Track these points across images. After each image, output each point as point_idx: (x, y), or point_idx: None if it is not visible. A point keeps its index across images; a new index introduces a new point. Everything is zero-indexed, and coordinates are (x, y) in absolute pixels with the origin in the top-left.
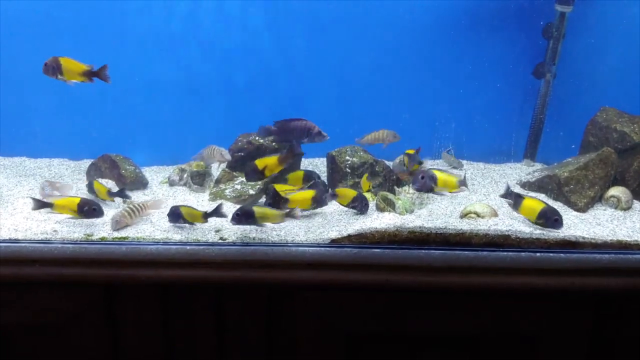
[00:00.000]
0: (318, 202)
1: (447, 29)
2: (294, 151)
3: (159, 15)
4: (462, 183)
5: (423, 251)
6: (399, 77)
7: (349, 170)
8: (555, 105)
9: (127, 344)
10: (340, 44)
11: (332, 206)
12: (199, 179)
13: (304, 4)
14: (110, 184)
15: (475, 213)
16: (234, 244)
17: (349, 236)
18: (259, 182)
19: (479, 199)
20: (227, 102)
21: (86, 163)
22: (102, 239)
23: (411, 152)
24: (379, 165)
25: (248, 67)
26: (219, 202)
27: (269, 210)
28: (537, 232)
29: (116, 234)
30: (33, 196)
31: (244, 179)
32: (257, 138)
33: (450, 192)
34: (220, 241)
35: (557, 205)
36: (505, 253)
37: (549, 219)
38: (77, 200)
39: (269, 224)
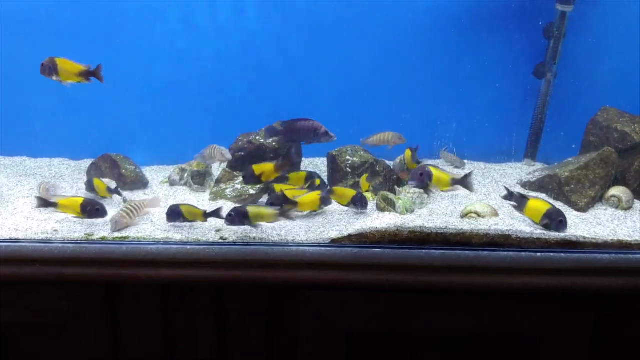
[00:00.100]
0: (324, 202)
1: (447, 28)
2: (291, 160)
3: (159, 15)
4: (456, 182)
5: (424, 251)
6: (399, 77)
7: (350, 170)
8: (556, 105)
9: (127, 343)
10: (341, 44)
11: (333, 206)
12: (200, 178)
13: (304, 4)
14: (113, 185)
15: (476, 213)
16: (234, 243)
17: (350, 236)
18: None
19: (479, 199)
20: (227, 101)
21: (87, 163)
22: (103, 238)
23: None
24: (380, 165)
25: (249, 66)
26: (219, 201)
27: (263, 210)
28: (538, 232)
29: (117, 234)
30: (35, 196)
31: None
32: (257, 138)
33: (442, 190)
34: (220, 241)
35: (558, 205)
36: (506, 253)
37: (554, 220)
38: (81, 200)
39: (265, 224)
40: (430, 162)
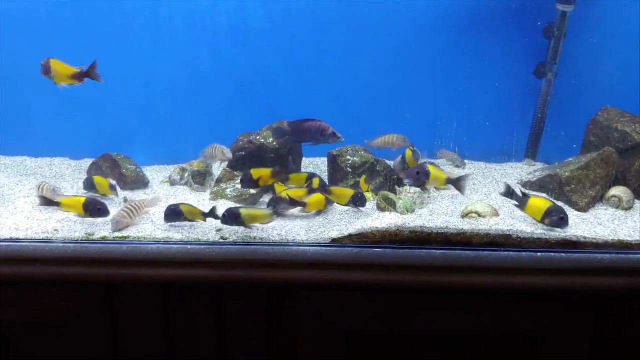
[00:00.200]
0: (330, 202)
1: (448, 28)
2: (288, 168)
3: (160, 15)
4: (449, 182)
5: (424, 251)
6: (400, 76)
7: (350, 170)
8: (557, 104)
9: (127, 343)
10: (341, 44)
11: (333, 206)
12: (200, 178)
13: (304, 4)
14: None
15: (477, 213)
16: (234, 243)
17: (350, 236)
18: None
19: (480, 199)
20: (228, 101)
21: (87, 162)
22: (103, 238)
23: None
24: (380, 164)
25: (249, 66)
26: (220, 201)
27: (256, 211)
28: (539, 232)
29: (117, 234)
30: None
31: None
32: (258, 137)
33: (438, 189)
34: (221, 240)
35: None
36: (507, 253)
37: (555, 217)
38: (83, 200)
39: (268, 224)
40: (431, 161)
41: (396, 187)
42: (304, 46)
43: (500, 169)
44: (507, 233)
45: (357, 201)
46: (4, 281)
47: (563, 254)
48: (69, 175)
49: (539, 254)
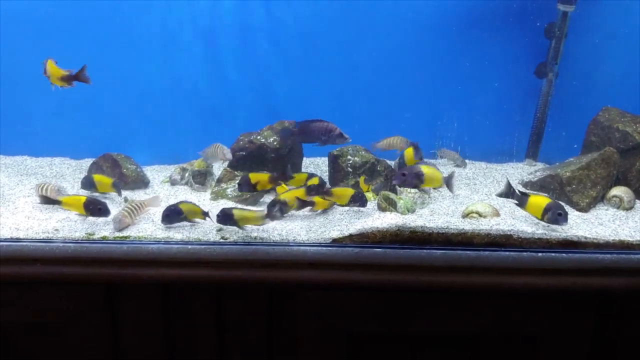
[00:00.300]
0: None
1: (448, 28)
2: (286, 174)
3: (160, 15)
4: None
5: (425, 251)
6: (400, 76)
7: (351, 170)
8: (557, 104)
9: (127, 343)
10: (341, 44)
11: (334, 205)
12: (201, 178)
13: (304, 4)
14: None
15: (477, 213)
16: (235, 243)
17: (351, 236)
18: None
19: (480, 199)
20: (228, 101)
21: (87, 162)
22: (104, 238)
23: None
24: (381, 164)
25: (250, 66)
26: (220, 201)
27: (249, 213)
28: (539, 232)
29: (118, 233)
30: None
31: None
32: (258, 137)
33: (435, 188)
34: (221, 240)
35: None
36: (507, 253)
37: (554, 213)
38: (84, 199)
39: (268, 224)
40: (431, 161)
41: (397, 186)
42: (304, 46)
43: (501, 169)
44: (508, 233)
45: (358, 201)
46: (4, 281)
47: (564, 254)
48: (70, 175)
49: (540, 254)
